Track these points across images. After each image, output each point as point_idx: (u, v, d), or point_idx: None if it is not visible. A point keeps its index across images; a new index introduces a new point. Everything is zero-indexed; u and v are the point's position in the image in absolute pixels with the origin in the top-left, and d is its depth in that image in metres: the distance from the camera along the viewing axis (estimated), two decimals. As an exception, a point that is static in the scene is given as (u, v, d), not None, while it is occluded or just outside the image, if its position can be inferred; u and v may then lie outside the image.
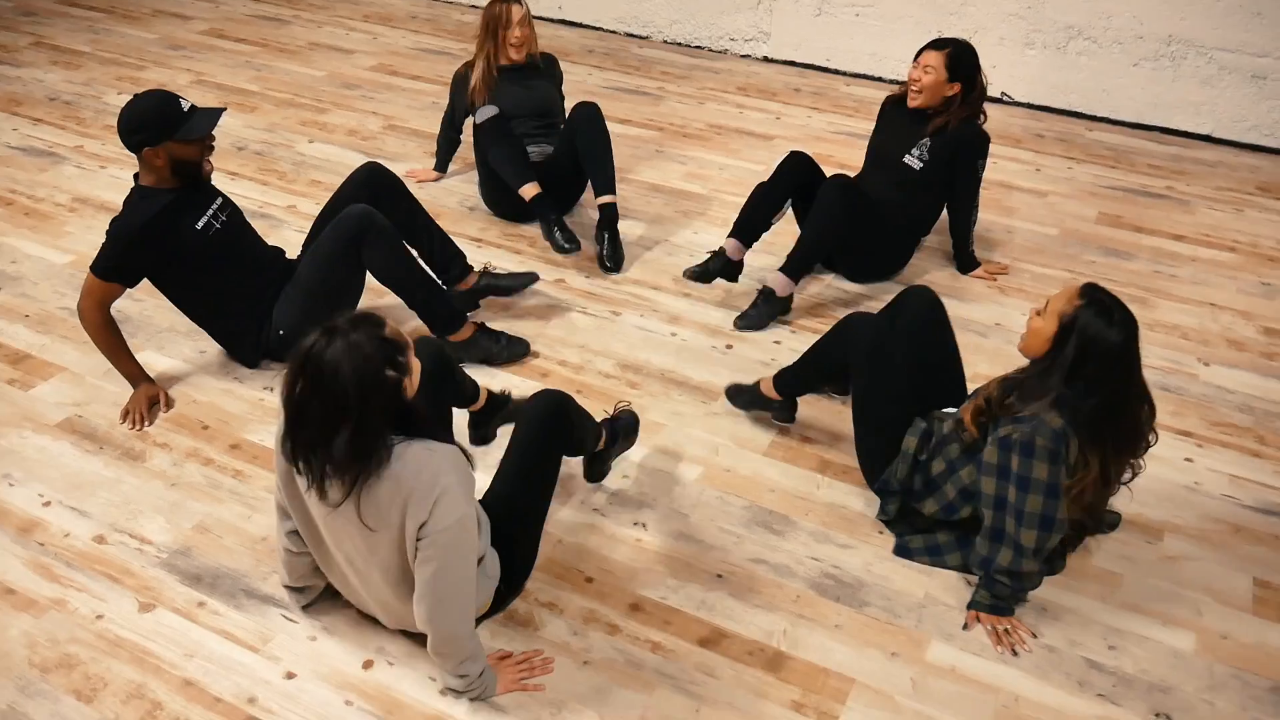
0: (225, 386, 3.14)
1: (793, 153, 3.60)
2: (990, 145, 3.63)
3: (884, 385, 2.64)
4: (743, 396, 3.02)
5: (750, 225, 3.56)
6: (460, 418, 2.76)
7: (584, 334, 3.41)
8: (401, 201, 3.31)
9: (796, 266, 3.44)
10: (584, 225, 3.96)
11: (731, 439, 2.98)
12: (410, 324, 3.29)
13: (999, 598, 2.37)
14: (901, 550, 2.60)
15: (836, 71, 5.68)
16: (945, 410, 2.65)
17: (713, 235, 4.00)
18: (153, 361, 3.21)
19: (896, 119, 3.68)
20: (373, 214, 3.03)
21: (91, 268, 2.90)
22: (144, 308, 3.45)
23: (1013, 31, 5.16)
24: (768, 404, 2.98)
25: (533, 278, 3.45)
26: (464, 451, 2.08)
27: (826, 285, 3.73)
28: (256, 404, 3.07)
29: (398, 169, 4.46)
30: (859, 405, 2.69)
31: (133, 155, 2.95)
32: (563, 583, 2.49)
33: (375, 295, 3.47)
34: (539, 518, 2.42)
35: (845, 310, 3.56)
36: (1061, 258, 3.95)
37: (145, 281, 3.00)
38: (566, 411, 2.42)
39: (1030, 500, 2.24)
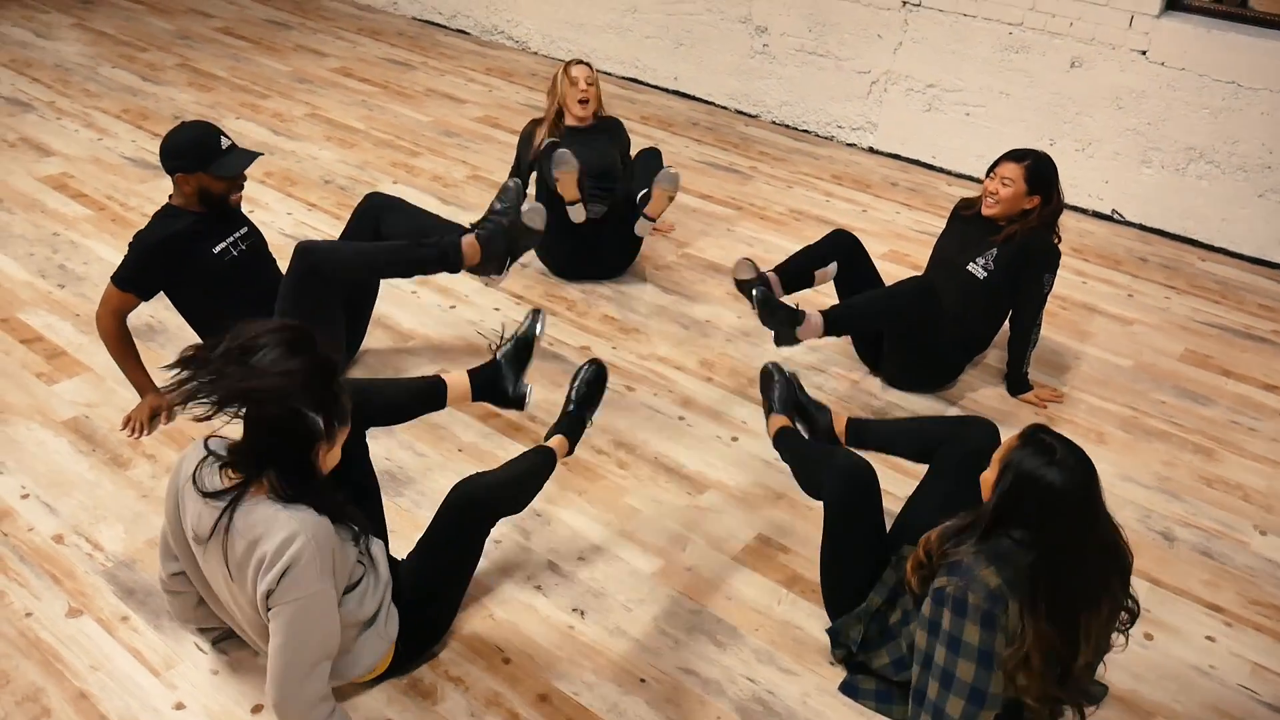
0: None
1: (838, 230, 3.51)
2: (1061, 262, 3.41)
3: (856, 540, 2.41)
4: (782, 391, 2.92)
5: (792, 270, 3.46)
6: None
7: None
8: (403, 214, 3.36)
9: (838, 320, 3.23)
10: (633, 285, 3.90)
11: (706, 537, 2.82)
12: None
13: None
14: (849, 689, 2.38)
15: (941, 170, 5.47)
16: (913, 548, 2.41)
17: (752, 322, 3.85)
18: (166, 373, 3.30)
19: (966, 224, 3.50)
20: (305, 248, 3.02)
21: (112, 276, 3.01)
22: (182, 322, 3.54)
23: (1129, 147, 4.86)
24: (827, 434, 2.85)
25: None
26: (355, 527, 2.04)
27: (855, 386, 3.53)
28: (250, 429, 3.10)
29: (467, 217, 4.51)
30: (826, 547, 2.45)
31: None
32: (479, 658, 2.39)
33: (401, 338, 3.49)
34: (454, 592, 2.35)
35: (865, 415, 3.36)
36: (1128, 393, 3.63)
37: None
38: (484, 505, 2.34)
39: (961, 666, 1.98)
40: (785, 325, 3.22)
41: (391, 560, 2.29)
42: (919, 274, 3.33)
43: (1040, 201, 3.32)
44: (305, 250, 3.03)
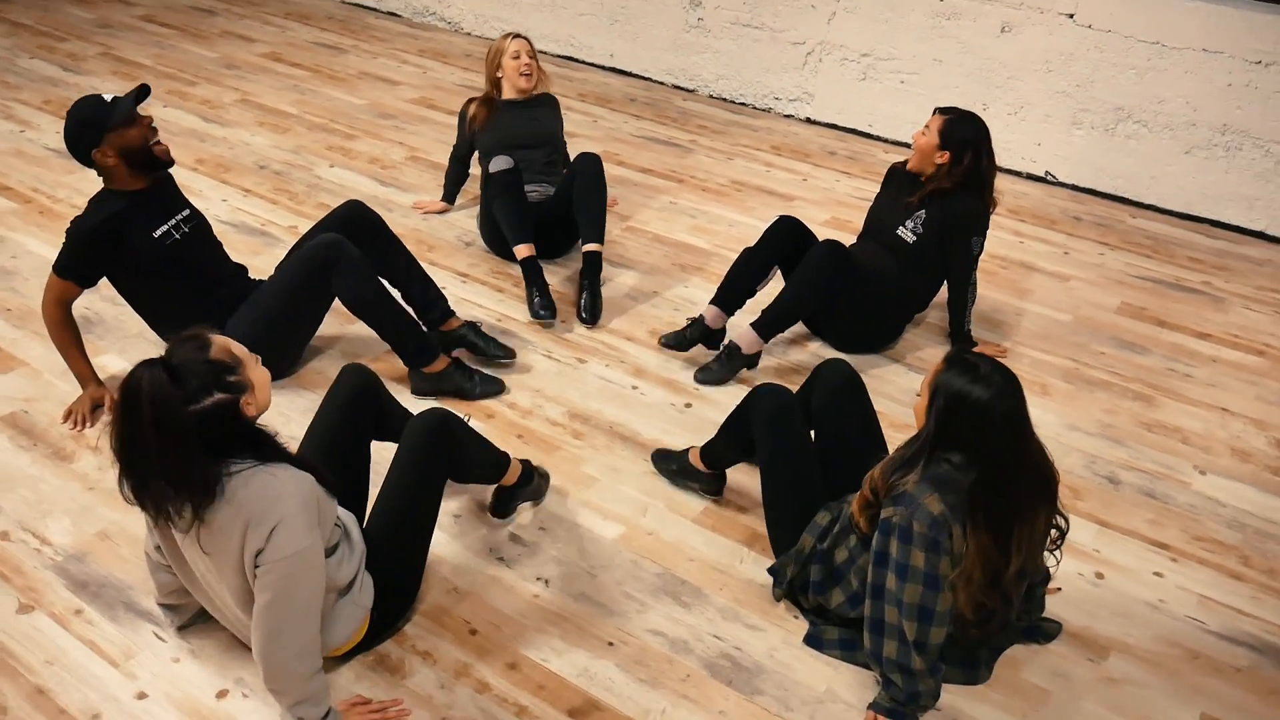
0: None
1: (781, 217, 3.47)
2: (998, 223, 3.46)
3: (785, 458, 2.47)
4: (670, 464, 2.88)
5: (733, 292, 3.43)
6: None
7: (542, 378, 3.32)
8: (382, 241, 3.30)
9: (769, 325, 3.30)
10: (572, 274, 3.89)
11: (664, 501, 2.84)
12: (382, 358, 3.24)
13: (896, 700, 2.17)
14: (813, 640, 2.41)
15: (878, 138, 5.54)
16: (853, 494, 2.46)
17: (705, 291, 3.88)
18: (111, 365, 3.23)
19: (896, 187, 3.54)
20: (343, 243, 3.03)
21: (53, 265, 2.93)
22: (119, 312, 3.47)
23: (1060, 110, 4.96)
24: (695, 475, 2.83)
25: (510, 353, 3.34)
26: (324, 481, 2.00)
27: (811, 353, 3.57)
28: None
29: (407, 199, 4.48)
30: (765, 478, 2.52)
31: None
32: (444, 631, 2.38)
33: (345, 321, 3.45)
34: (421, 543, 2.32)
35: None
36: (1068, 345, 3.71)
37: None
38: (448, 430, 2.33)
39: (908, 590, 2.06)
40: (737, 367, 3.33)
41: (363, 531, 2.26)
42: (818, 245, 3.34)
43: (950, 159, 3.34)
44: (337, 244, 3.00)
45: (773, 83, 5.78)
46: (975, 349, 3.58)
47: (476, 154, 4.13)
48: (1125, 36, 4.69)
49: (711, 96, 6.01)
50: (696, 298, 3.84)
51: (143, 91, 2.94)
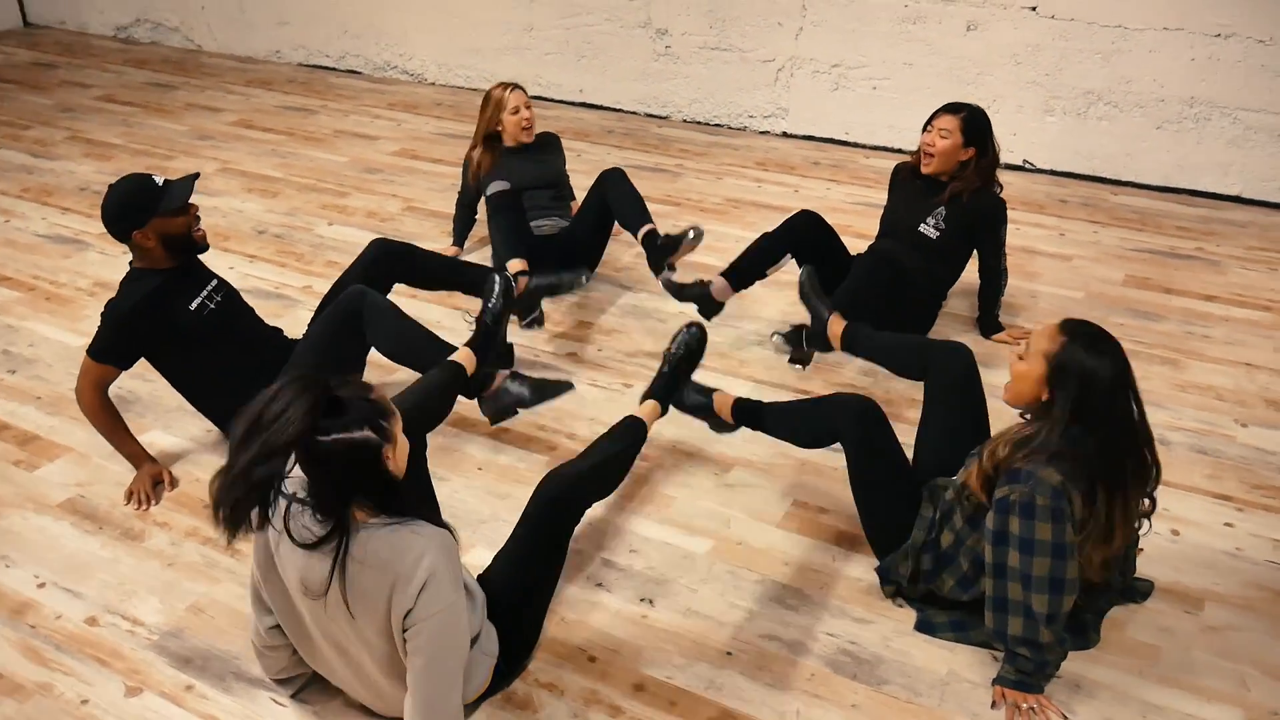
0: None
1: (803, 211, 3.56)
2: (1009, 211, 3.57)
3: (881, 475, 2.51)
4: (691, 393, 2.94)
5: (744, 270, 3.53)
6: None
7: (594, 407, 3.34)
8: (417, 261, 3.35)
9: (853, 345, 3.25)
10: (590, 303, 3.93)
11: (745, 511, 2.87)
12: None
13: (1024, 672, 2.21)
14: (924, 626, 2.45)
15: (855, 144, 5.67)
16: (946, 479, 2.52)
17: (732, 306, 3.93)
18: (158, 441, 3.19)
19: (910, 187, 3.64)
20: (365, 292, 3.02)
21: (87, 350, 2.90)
22: (154, 388, 3.43)
23: (1031, 99, 5.13)
24: (714, 419, 2.90)
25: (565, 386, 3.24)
26: (451, 533, 2.01)
27: (847, 356, 3.63)
28: (259, 481, 3.01)
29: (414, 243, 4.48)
30: (858, 493, 2.55)
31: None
32: (564, 662, 2.38)
33: (385, 372, 3.44)
34: (544, 595, 2.33)
35: (866, 380, 3.48)
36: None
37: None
38: (576, 498, 2.36)
39: (1037, 564, 2.10)
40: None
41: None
42: (864, 257, 3.45)
43: (976, 153, 3.46)
44: (360, 294, 3.00)
45: (746, 101, 5.89)
46: (1002, 333, 3.69)
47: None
48: (1088, 23, 4.88)
49: (686, 121, 6.12)
50: (725, 313, 3.89)
51: (194, 178, 2.95)
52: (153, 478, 2.98)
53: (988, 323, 3.69)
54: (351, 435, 1.80)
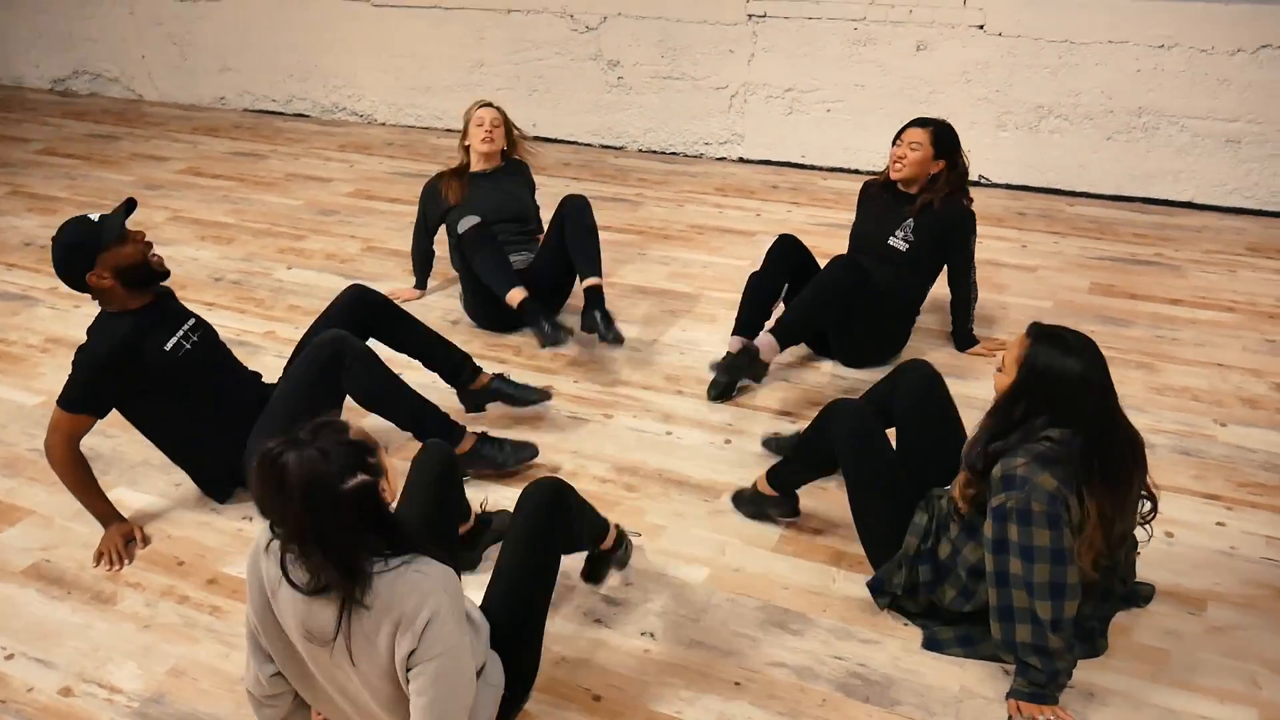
0: (202, 519, 2.98)
1: (781, 236, 3.55)
2: (977, 223, 3.59)
3: (875, 473, 2.49)
4: (744, 503, 2.88)
5: (751, 319, 3.47)
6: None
7: (576, 438, 3.28)
8: (393, 319, 3.23)
9: (786, 331, 3.33)
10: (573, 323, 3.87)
11: (738, 537, 2.82)
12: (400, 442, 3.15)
13: (1036, 684, 2.18)
14: (931, 644, 2.42)
15: (812, 167, 5.71)
16: (942, 487, 2.50)
17: (701, 331, 3.92)
18: (125, 498, 3.06)
19: (878, 202, 3.64)
20: (346, 338, 2.93)
21: (58, 401, 2.77)
22: (116, 444, 3.31)
23: (983, 115, 5.20)
24: (768, 503, 2.83)
25: (545, 395, 3.32)
26: (456, 566, 1.93)
27: (827, 376, 3.62)
28: (235, 535, 2.91)
29: (379, 289, 4.39)
30: (854, 496, 2.53)
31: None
32: (568, 703, 2.30)
33: (359, 416, 3.35)
34: (541, 615, 2.24)
35: (842, 382, 3.45)
36: (1059, 329, 3.86)
37: (117, 415, 2.87)
38: (566, 500, 2.29)
39: (1038, 570, 2.08)
40: (749, 370, 3.33)
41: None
42: (836, 258, 3.43)
43: (946, 166, 3.49)
44: (339, 340, 2.90)
45: (700, 129, 5.91)
46: (977, 346, 3.70)
47: (444, 228, 4.10)
48: (1035, 39, 4.97)
49: (642, 150, 6.12)
50: (696, 338, 3.87)
51: (130, 205, 2.83)
52: (124, 536, 2.86)
53: (962, 336, 3.70)
54: (347, 486, 1.72)
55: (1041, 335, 2.15)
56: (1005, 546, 2.14)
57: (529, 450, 3.14)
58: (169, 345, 2.82)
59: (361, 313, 3.18)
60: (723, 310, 4.09)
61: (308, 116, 7.02)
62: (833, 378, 3.60)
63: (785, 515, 2.85)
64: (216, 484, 3.02)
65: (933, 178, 3.49)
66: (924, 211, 3.49)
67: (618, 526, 2.61)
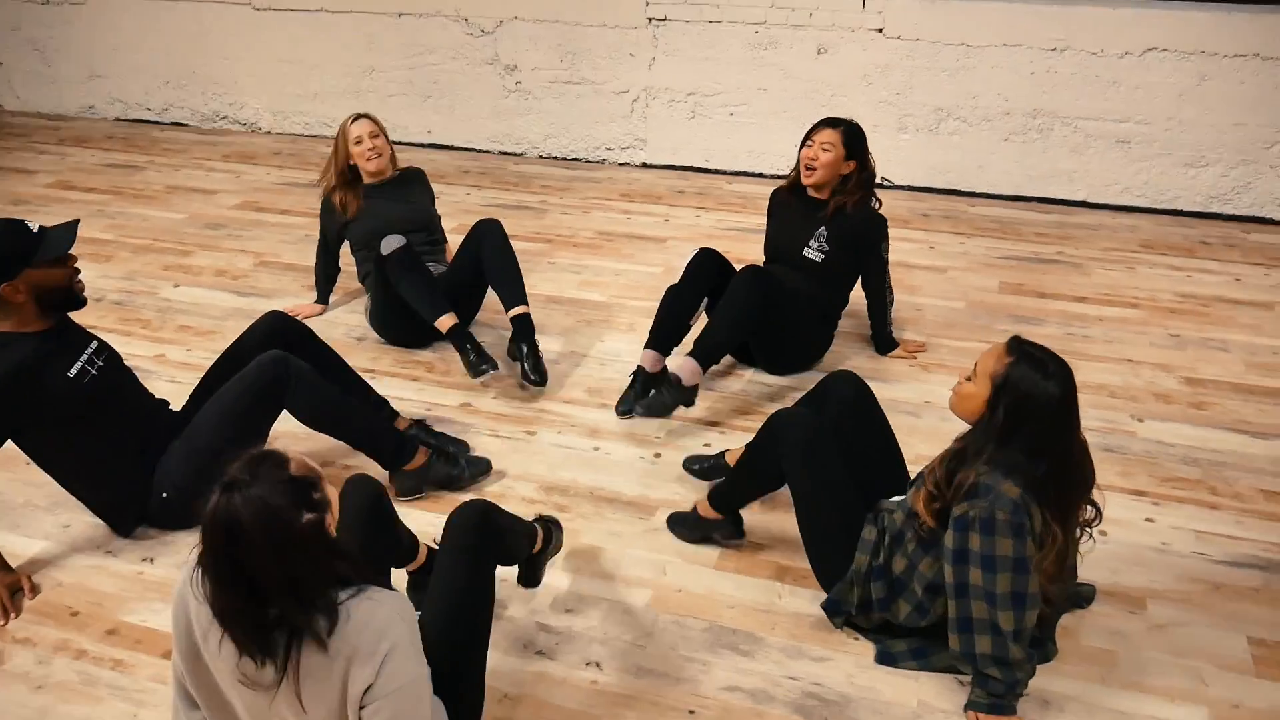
0: (95, 563, 2.73)
1: (701, 250, 3.46)
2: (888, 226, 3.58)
3: (824, 486, 2.43)
4: (685, 527, 2.78)
5: (666, 332, 3.37)
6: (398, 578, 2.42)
7: (500, 458, 3.13)
8: (312, 351, 3.02)
9: (707, 353, 3.25)
10: (488, 339, 3.73)
11: (678, 555, 2.73)
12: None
13: (995, 695, 2.15)
14: (885, 658, 2.36)
15: (717, 171, 5.67)
16: (891, 500, 2.46)
17: (619, 342, 3.82)
18: (8, 545, 2.78)
19: (789, 210, 3.59)
20: (288, 360, 2.77)
21: None
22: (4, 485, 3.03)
23: (885, 118, 5.24)
24: (712, 526, 2.74)
25: (465, 446, 3.16)
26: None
27: (749, 381, 3.56)
28: (134, 579, 2.67)
29: (274, 305, 4.16)
30: (802, 510, 2.47)
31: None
32: (516, 744, 2.17)
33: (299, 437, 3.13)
34: (483, 651, 2.10)
35: (773, 405, 3.39)
36: (974, 329, 3.89)
37: None
38: (494, 522, 2.17)
39: (1000, 580, 2.05)
40: (678, 401, 3.22)
41: None
42: (743, 271, 3.37)
43: (857, 166, 3.45)
44: (282, 361, 2.74)
45: (602, 134, 5.81)
46: (898, 349, 3.70)
47: (348, 245, 3.91)
48: (932, 43, 5.04)
49: (543, 157, 5.98)
50: (616, 349, 3.77)
51: (75, 225, 2.60)
52: (8, 587, 2.60)
53: (882, 340, 3.69)
54: (306, 519, 1.58)
55: (1022, 354, 2.10)
56: (966, 557, 2.10)
57: (482, 464, 3.03)
58: (73, 371, 2.59)
59: (280, 341, 2.97)
60: (640, 319, 3.99)
61: (186, 125, 6.66)
62: (756, 384, 3.54)
63: (729, 537, 2.76)
64: (119, 517, 2.79)
65: (843, 179, 3.45)
66: (836, 218, 3.45)
67: (541, 520, 2.49)
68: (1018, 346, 2.12)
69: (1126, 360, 3.67)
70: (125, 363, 2.82)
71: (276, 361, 2.74)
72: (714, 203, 5.25)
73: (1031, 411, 2.05)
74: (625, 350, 3.74)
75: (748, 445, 2.64)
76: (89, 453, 2.67)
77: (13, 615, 2.54)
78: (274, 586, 1.57)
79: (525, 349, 3.43)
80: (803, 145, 3.48)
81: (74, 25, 6.59)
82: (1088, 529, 2.28)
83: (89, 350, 2.65)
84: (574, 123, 5.83)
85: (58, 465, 2.70)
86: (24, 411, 2.52)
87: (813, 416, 2.49)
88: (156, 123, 6.71)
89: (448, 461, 2.96)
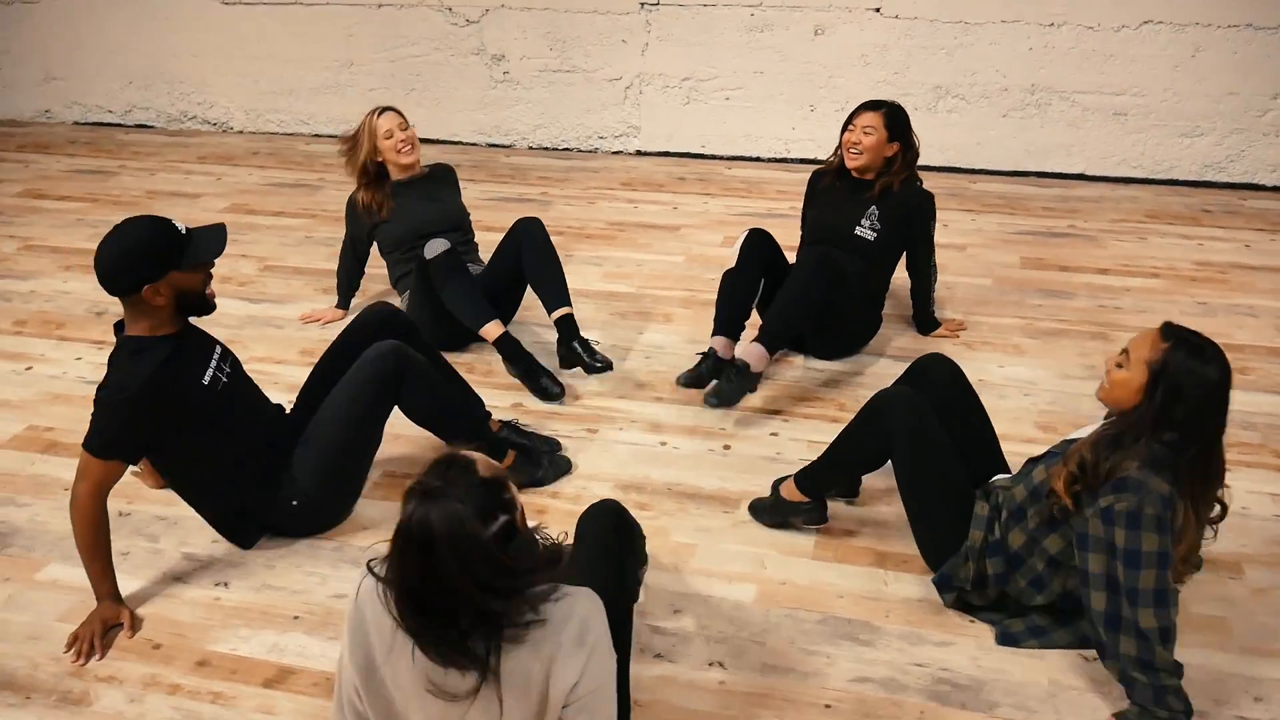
0: (167, 591, 2.60)
1: (752, 230, 3.42)
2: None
3: (935, 465, 2.42)
4: (766, 513, 2.75)
5: (733, 318, 3.33)
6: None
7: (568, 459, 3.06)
8: (419, 346, 2.91)
9: (775, 337, 3.21)
10: (525, 333, 3.64)
11: (773, 548, 2.69)
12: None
13: (1143, 704, 2.07)
14: (1006, 639, 2.35)
15: (714, 156, 5.62)
16: (1001, 477, 2.46)
17: (660, 334, 3.77)
18: (61, 576, 2.64)
19: (834, 191, 3.57)
20: (406, 353, 2.70)
21: (86, 445, 2.37)
22: (33, 513, 2.87)
23: (883, 97, 5.23)
24: (796, 510, 2.71)
25: (556, 444, 3.10)
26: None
27: (803, 369, 3.53)
28: (212, 605, 2.54)
29: (289, 311, 4.03)
30: (911, 490, 2.46)
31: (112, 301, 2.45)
32: (658, 752, 2.11)
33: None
34: (628, 651, 2.06)
35: (833, 392, 3.38)
36: (1008, 305, 3.92)
37: (28, 481, 2.47)
38: (628, 519, 2.18)
39: (1143, 576, 2.03)
40: (745, 388, 3.17)
41: None
42: (808, 252, 3.36)
43: (900, 148, 3.46)
44: (400, 353, 2.68)
45: (594, 122, 5.73)
46: (940, 328, 3.70)
47: (376, 248, 3.79)
48: (930, 21, 5.05)
49: (532, 148, 5.88)
50: (659, 341, 3.71)
51: (224, 230, 2.51)
52: (108, 622, 2.44)
53: (924, 319, 3.70)
54: (495, 526, 1.52)
55: (1180, 340, 2.07)
56: (1109, 549, 2.07)
57: (564, 464, 3.00)
58: (206, 378, 2.49)
59: (391, 335, 2.85)
60: (676, 309, 3.95)
61: (152, 127, 6.39)
62: (812, 371, 3.51)
63: (812, 522, 2.73)
64: (244, 527, 2.70)
65: (888, 161, 3.45)
66: (884, 196, 3.45)
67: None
68: (1173, 332, 2.09)
69: (1162, 329, 3.72)
70: (244, 368, 2.71)
71: (396, 352, 2.67)
72: (718, 188, 5.21)
73: (1189, 396, 2.03)
74: (668, 342, 3.69)
75: (846, 429, 2.61)
76: (218, 462, 2.57)
77: (97, 656, 2.39)
78: (471, 594, 1.52)
79: (578, 346, 3.35)
80: (844, 130, 3.46)
81: (27, 25, 6.28)
82: (1212, 524, 2.26)
83: (216, 356, 2.55)
84: (564, 112, 5.73)
85: (186, 477, 2.61)
86: (161, 420, 2.41)
87: (918, 396, 2.47)
88: (120, 125, 6.44)
89: (532, 461, 2.90)
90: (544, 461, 2.93)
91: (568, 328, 3.39)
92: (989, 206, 4.88)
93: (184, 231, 2.40)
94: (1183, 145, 5.03)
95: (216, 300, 2.54)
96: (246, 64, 6.06)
